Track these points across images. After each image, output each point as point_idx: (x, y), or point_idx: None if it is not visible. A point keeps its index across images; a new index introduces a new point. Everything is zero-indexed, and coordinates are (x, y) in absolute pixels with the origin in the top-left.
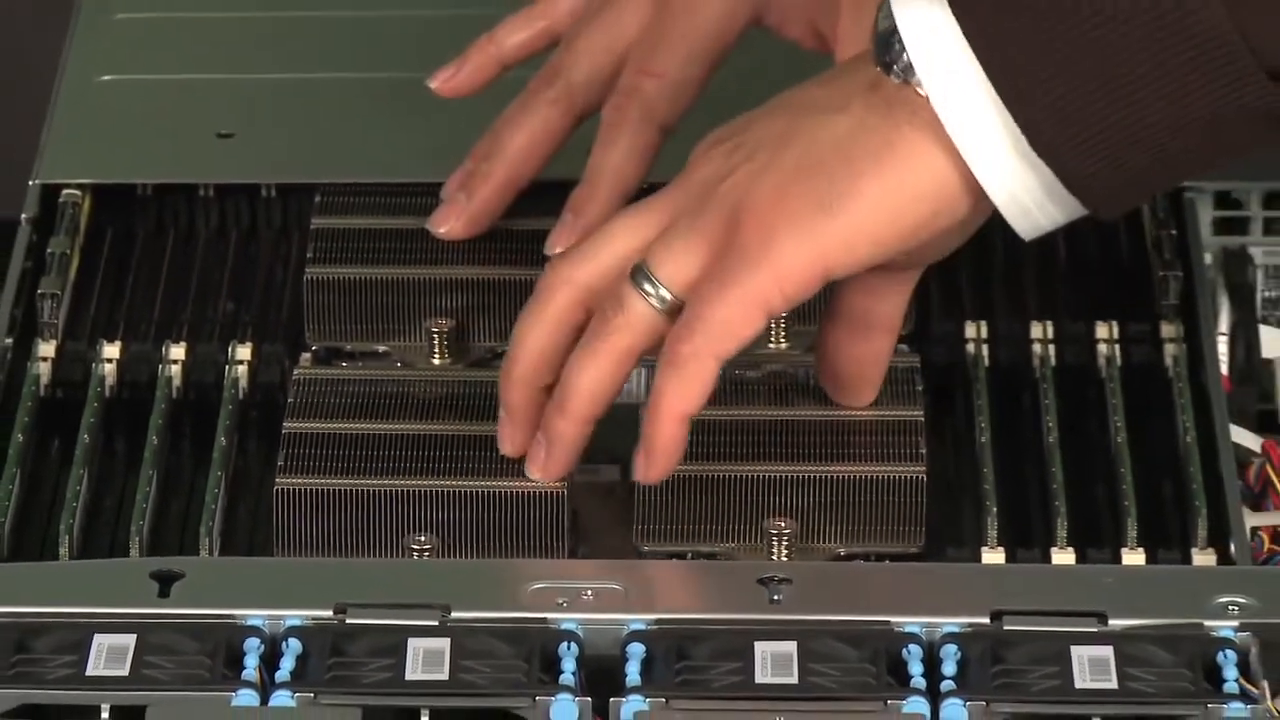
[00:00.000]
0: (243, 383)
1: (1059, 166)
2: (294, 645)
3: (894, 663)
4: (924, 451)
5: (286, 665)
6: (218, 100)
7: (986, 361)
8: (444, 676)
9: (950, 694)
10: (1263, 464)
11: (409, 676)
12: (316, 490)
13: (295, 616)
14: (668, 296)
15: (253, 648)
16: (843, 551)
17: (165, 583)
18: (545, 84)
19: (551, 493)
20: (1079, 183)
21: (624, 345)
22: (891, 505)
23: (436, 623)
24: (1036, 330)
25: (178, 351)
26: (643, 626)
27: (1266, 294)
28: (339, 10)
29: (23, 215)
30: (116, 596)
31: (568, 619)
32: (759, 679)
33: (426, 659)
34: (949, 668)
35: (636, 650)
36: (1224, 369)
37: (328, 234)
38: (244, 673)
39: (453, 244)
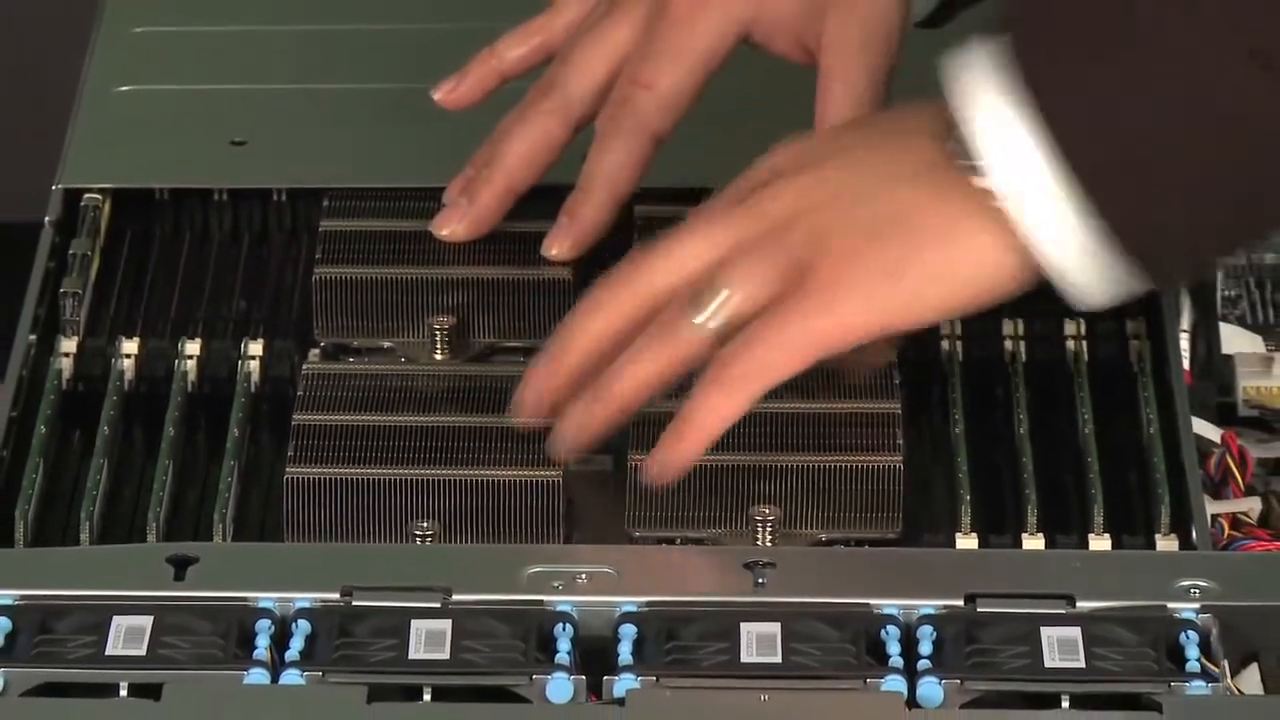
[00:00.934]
0: (255, 377)
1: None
2: (303, 626)
3: (873, 643)
4: (901, 443)
5: (296, 645)
6: (231, 109)
7: (960, 357)
8: (445, 656)
9: (926, 673)
10: (1223, 454)
11: (412, 656)
12: (324, 479)
13: (304, 599)
14: (728, 320)
15: (264, 629)
16: (824, 537)
17: (180, 567)
18: (543, 95)
19: (547, 481)
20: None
21: (678, 357)
22: (870, 493)
23: (438, 605)
24: (1008, 327)
25: (193, 348)
26: (634, 608)
27: (1226, 293)
28: (347, 24)
29: (46, 218)
30: (134, 580)
31: (563, 601)
32: (745, 658)
33: (429, 639)
34: (925, 648)
35: (628, 631)
36: (1186, 364)
37: (335, 236)
38: (255, 652)
39: (454, 245)
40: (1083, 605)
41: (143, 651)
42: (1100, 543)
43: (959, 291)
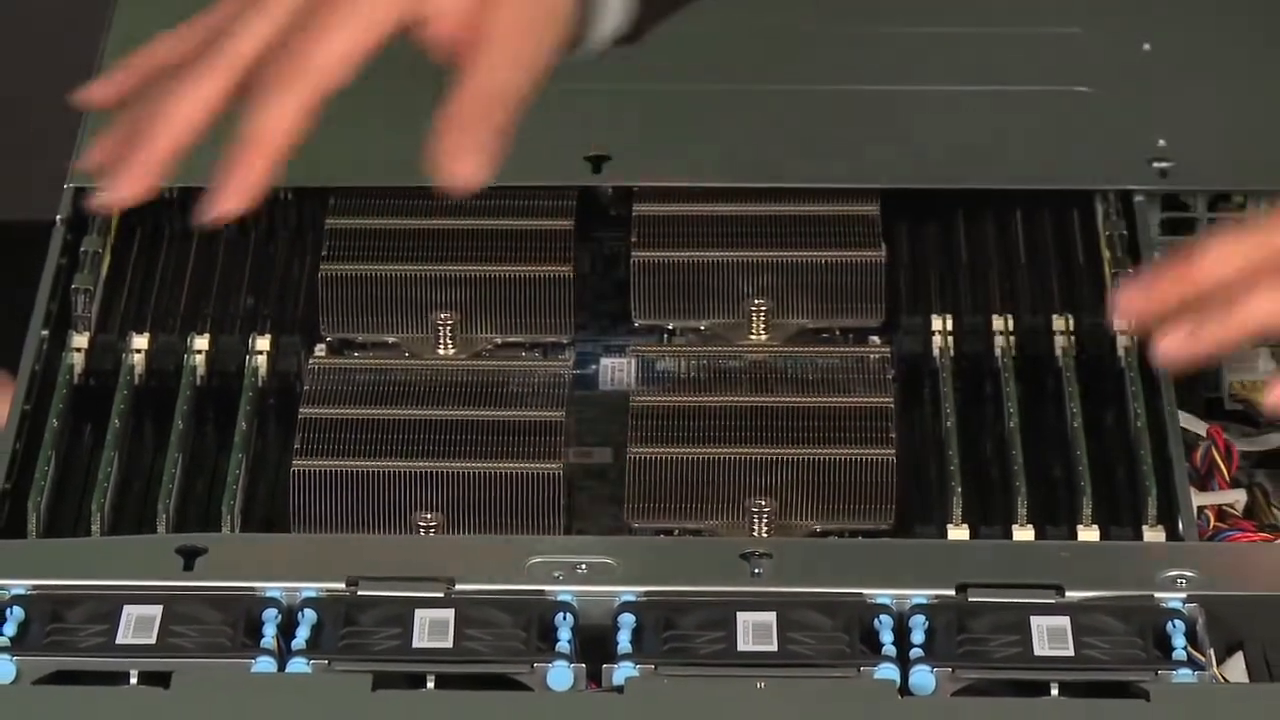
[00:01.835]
0: (262, 371)
1: None
2: (309, 615)
3: (866, 632)
4: (894, 435)
5: (302, 634)
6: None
7: (952, 352)
8: (449, 645)
9: (919, 661)
10: (1208, 447)
11: (416, 645)
12: (330, 471)
13: (310, 589)
14: None
15: (271, 618)
16: (819, 528)
17: (189, 557)
18: (211, 54)
19: (549, 474)
20: None
21: None
22: (864, 485)
23: (442, 595)
24: (998, 323)
25: (201, 343)
26: (633, 598)
27: None
28: None
29: (58, 216)
30: (144, 570)
31: (563, 591)
32: (741, 647)
33: (432, 628)
34: (917, 636)
35: (627, 620)
36: None
37: (340, 233)
38: (263, 641)
39: (456, 243)
40: (1071, 595)
41: (152, 640)
42: (1089, 534)
43: None
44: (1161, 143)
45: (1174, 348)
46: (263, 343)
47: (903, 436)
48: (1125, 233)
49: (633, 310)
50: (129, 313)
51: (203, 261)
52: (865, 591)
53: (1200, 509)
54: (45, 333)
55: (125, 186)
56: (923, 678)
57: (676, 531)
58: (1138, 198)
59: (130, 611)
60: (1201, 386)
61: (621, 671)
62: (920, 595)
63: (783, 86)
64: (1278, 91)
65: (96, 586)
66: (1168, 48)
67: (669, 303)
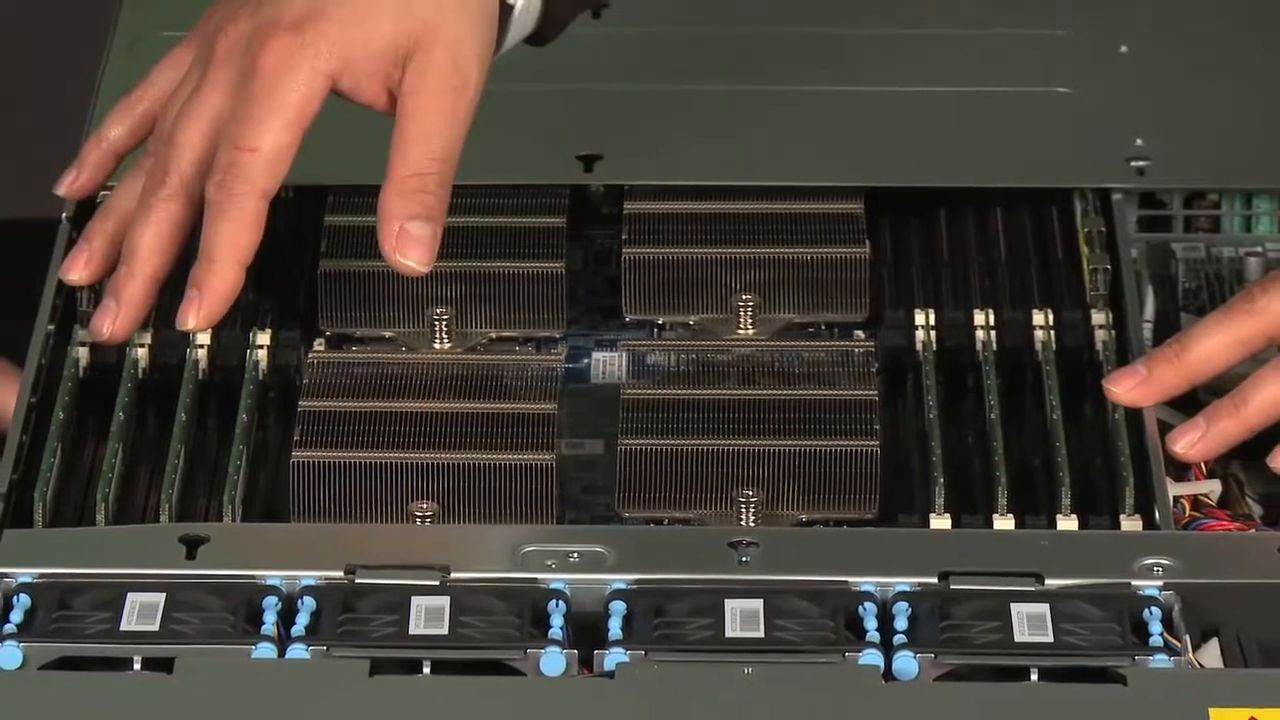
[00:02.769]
0: (262, 365)
1: None
2: (308, 603)
3: (851, 619)
4: (878, 427)
5: (302, 621)
6: None
7: (934, 346)
8: (444, 631)
9: (902, 647)
10: None
11: (412, 631)
12: (329, 462)
13: (309, 577)
14: None
15: (271, 605)
16: (804, 518)
17: (192, 546)
18: (159, 183)
19: (542, 464)
20: None
21: None
22: (848, 476)
23: (437, 582)
24: (979, 318)
25: (203, 337)
26: (624, 586)
27: (1186, 285)
28: None
29: (64, 215)
30: (147, 559)
31: (556, 579)
32: (729, 633)
33: (428, 615)
34: (901, 623)
35: (618, 607)
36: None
37: (339, 231)
38: (263, 628)
39: (452, 240)
40: (1051, 583)
41: (156, 627)
42: (1067, 523)
43: None
44: (1138, 142)
45: (1188, 450)
46: (263, 337)
47: (886, 428)
48: (1103, 229)
49: (623, 305)
50: None
51: None
52: (850, 579)
53: (1176, 499)
54: (51, 328)
55: (120, 327)
56: (906, 663)
57: (666, 521)
58: (1115, 195)
59: (134, 599)
60: None
61: (613, 657)
62: (903, 583)
63: (769, 88)
64: (1251, 93)
65: (101, 575)
66: (1144, 50)
67: (659, 298)
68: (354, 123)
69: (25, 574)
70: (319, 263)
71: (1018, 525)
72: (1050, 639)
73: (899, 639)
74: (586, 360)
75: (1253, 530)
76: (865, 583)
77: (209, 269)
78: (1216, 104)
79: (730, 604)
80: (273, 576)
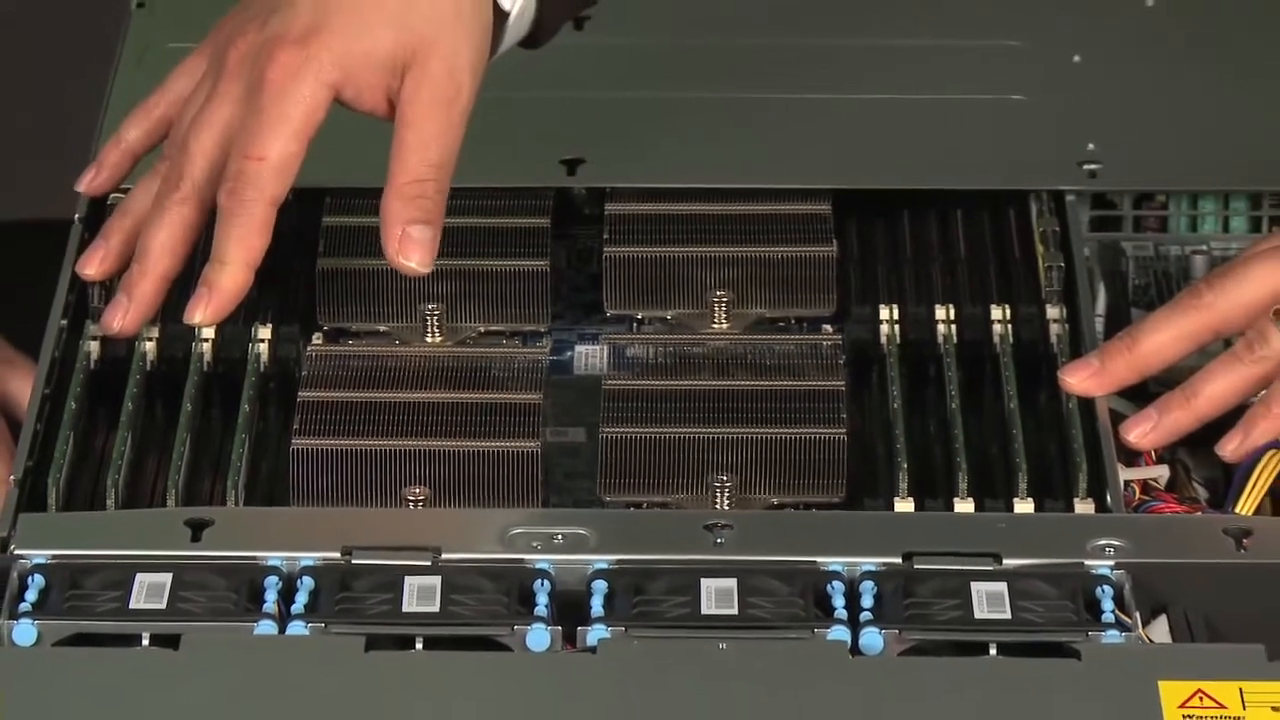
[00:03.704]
0: (264, 358)
1: None
2: (307, 582)
3: (820, 597)
4: (845, 416)
5: (301, 600)
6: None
7: (898, 339)
8: (436, 609)
9: (868, 624)
10: None
11: (406, 609)
12: (326, 450)
13: (308, 558)
14: None
15: (272, 585)
16: (776, 501)
17: (197, 529)
18: (173, 187)
19: (528, 452)
20: None
21: (1259, 373)
22: (817, 462)
23: (429, 563)
24: (941, 313)
25: (208, 332)
26: (605, 566)
27: (1136, 282)
28: None
29: (75, 216)
30: (155, 541)
31: (541, 560)
32: (704, 611)
33: (421, 594)
34: (867, 601)
35: (600, 586)
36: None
37: (336, 231)
38: (264, 606)
39: (442, 239)
40: (1009, 562)
41: (163, 605)
42: (1024, 506)
43: None
44: (1091, 146)
45: (1141, 440)
46: (264, 332)
47: (853, 417)
48: (1057, 229)
49: (605, 301)
50: None
51: (208, 257)
52: (818, 560)
53: (1127, 483)
54: (64, 323)
55: (130, 322)
56: (872, 639)
57: (645, 505)
58: (1069, 197)
59: (142, 579)
60: None
61: (595, 633)
62: (869, 563)
63: (744, 95)
64: (1196, 101)
65: (111, 556)
66: (1096, 60)
67: (638, 294)
68: (350, 130)
69: (39, 555)
70: (317, 261)
71: (977, 509)
72: (1008, 616)
73: (865, 616)
74: (570, 353)
75: (1199, 513)
76: (833, 563)
77: (219, 270)
78: (1164, 111)
79: (706, 583)
80: (273, 557)
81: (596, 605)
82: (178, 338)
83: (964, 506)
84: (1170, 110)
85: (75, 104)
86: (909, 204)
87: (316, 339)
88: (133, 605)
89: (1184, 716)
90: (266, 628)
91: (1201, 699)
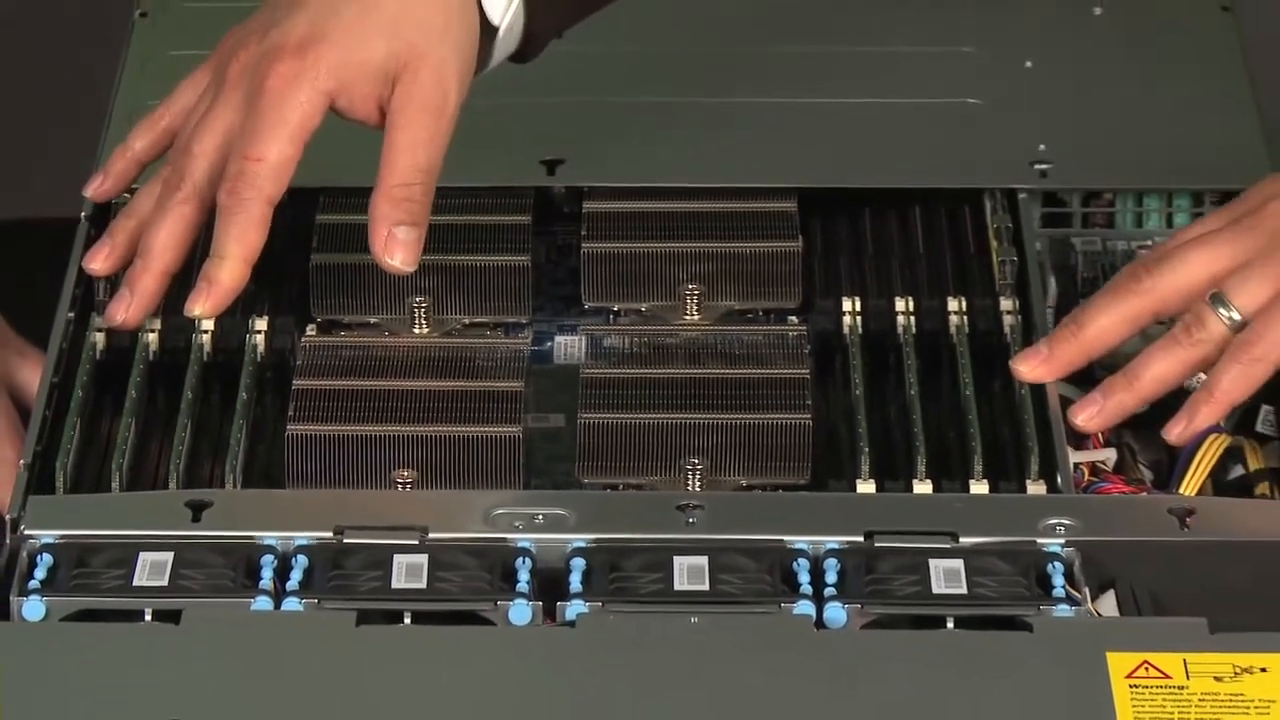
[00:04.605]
0: (260, 349)
1: None
2: (301, 560)
3: (786, 573)
4: (810, 403)
5: (295, 577)
6: None
7: (860, 330)
8: (423, 585)
9: (832, 599)
10: None
11: (395, 585)
12: (320, 435)
13: (302, 537)
14: (1239, 319)
15: (268, 563)
16: (745, 483)
17: (197, 510)
18: (175, 188)
19: (510, 436)
20: None
21: (1198, 355)
22: (784, 446)
23: (417, 542)
24: (900, 304)
25: (208, 324)
26: (583, 544)
27: (1085, 275)
28: None
29: (82, 214)
30: (157, 522)
31: (523, 538)
32: (677, 586)
33: (409, 571)
34: (831, 577)
35: (578, 564)
36: None
37: (329, 229)
38: (261, 583)
39: (430, 236)
40: (965, 540)
41: (165, 582)
42: (979, 487)
43: None
44: (1041, 147)
45: (1088, 422)
46: (261, 324)
47: (817, 404)
48: (1010, 225)
49: (583, 294)
50: None
51: (208, 253)
52: (785, 538)
53: (1076, 465)
54: (71, 315)
55: (133, 315)
56: (835, 613)
57: (621, 486)
58: (1021, 195)
59: (145, 557)
60: None
61: (573, 608)
62: (833, 541)
63: (714, 100)
64: (1141, 103)
65: (116, 536)
66: (1046, 65)
67: (615, 288)
68: (342, 133)
69: (48, 535)
70: (311, 257)
71: (935, 490)
72: (964, 591)
73: (829, 591)
74: (550, 343)
75: (1144, 493)
76: (799, 541)
77: (219, 265)
78: (1111, 113)
79: (678, 560)
80: (269, 537)
81: (575, 582)
82: (179, 329)
83: (922, 488)
84: (1117, 113)
85: (83, 110)
86: (870, 202)
87: (310, 330)
88: (136, 582)
89: (1130, 686)
90: (263, 604)
91: (1147, 669)
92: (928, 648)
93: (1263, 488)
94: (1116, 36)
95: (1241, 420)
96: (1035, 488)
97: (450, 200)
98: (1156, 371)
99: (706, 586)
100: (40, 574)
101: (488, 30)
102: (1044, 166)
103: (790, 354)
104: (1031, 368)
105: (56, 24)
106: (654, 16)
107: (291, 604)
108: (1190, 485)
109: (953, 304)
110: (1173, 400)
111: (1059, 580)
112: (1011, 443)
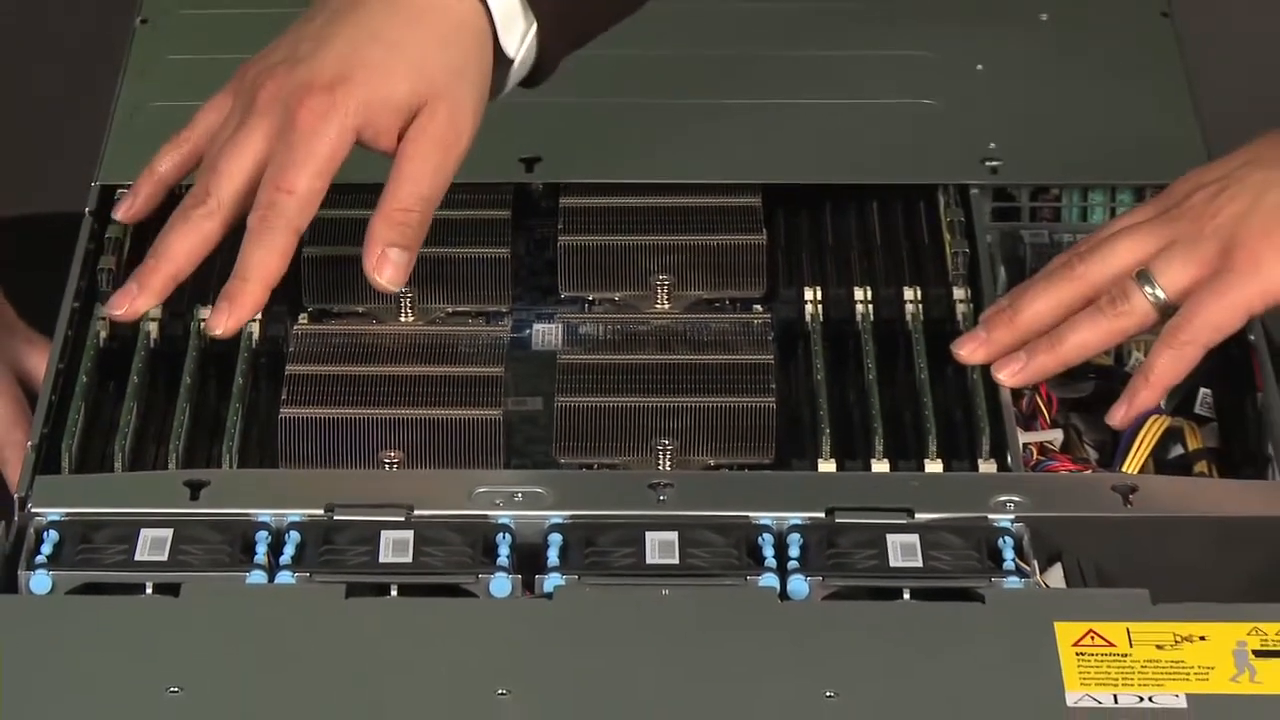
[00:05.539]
0: (255, 336)
1: None
2: (294, 536)
3: (751, 547)
4: (774, 387)
5: (288, 552)
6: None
7: (821, 318)
8: (409, 560)
9: (795, 571)
10: (1032, 395)
11: (382, 560)
12: (312, 418)
13: (295, 515)
14: (1163, 297)
15: (262, 539)
16: (712, 462)
17: (195, 489)
18: (199, 202)
19: (491, 419)
20: None
21: (1121, 326)
22: (749, 428)
23: (403, 519)
24: (859, 294)
25: (206, 313)
26: (560, 521)
27: (1033, 266)
28: None
29: (86, 209)
30: (157, 500)
31: (503, 515)
32: (649, 560)
33: (395, 546)
34: (793, 551)
35: (556, 539)
36: None
37: (321, 222)
38: (255, 558)
39: None
40: (920, 516)
41: (165, 558)
42: (934, 466)
43: None
44: (992, 145)
45: (1011, 378)
46: None
47: (781, 387)
48: (963, 219)
49: (560, 284)
50: None
51: None
52: (750, 514)
53: (1025, 445)
54: (76, 305)
55: (136, 308)
56: (798, 585)
57: (596, 466)
58: (973, 190)
59: (146, 534)
60: None
61: (551, 581)
62: (796, 517)
63: (683, 101)
64: (1086, 104)
65: (118, 514)
66: (997, 68)
67: (590, 278)
68: None
69: (54, 513)
70: (303, 249)
71: (892, 468)
72: (920, 564)
73: (792, 564)
74: (528, 331)
75: (1089, 472)
76: (763, 517)
77: (241, 287)
78: (1057, 113)
79: (650, 535)
80: (263, 514)
81: (552, 556)
82: (178, 318)
83: (880, 467)
84: (1063, 112)
85: (86, 111)
86: (831, 197)
87: (302, 319)
88: (138, 557)
89: (1077, 654)
90: (257, 577)
91: (1093, 638)
92: (886, 618)
93: (1201, 466)
94: (1062, 41)
95: (1181, 403)
96: (986, 466)
97: None
98: (1080, 338)
99: (676, 560)
100: (46, 549)
101: (502, 61)
102: (995, 164)
103: (755, 340)
104: (970, 350)
105: (61, 30)
106: (628, 24)
107: (285, 577)
108: (1133, 464)
109: (909, 293)
110: (1118, 385)
111: (1009, 554)
112: (964, 424)
